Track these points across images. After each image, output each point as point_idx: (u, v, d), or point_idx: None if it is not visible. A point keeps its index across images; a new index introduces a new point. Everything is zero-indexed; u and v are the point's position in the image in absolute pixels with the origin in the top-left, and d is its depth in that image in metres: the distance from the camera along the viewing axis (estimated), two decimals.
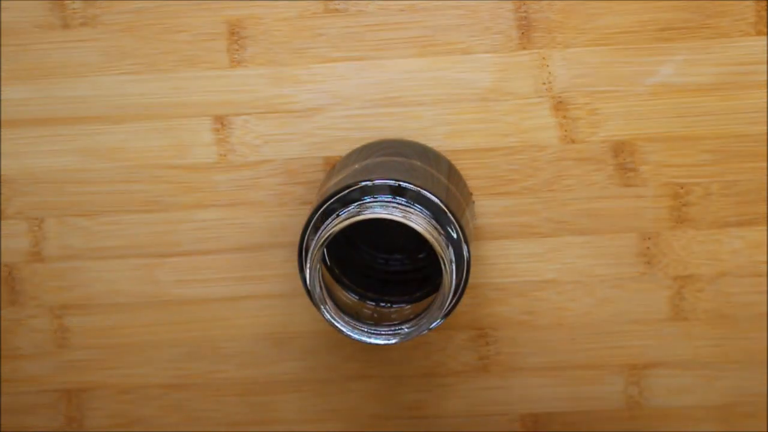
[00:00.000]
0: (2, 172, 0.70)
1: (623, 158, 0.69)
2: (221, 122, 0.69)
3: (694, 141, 0.68)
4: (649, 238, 0.70)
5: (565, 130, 0.68)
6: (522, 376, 0.72)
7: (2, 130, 0.70)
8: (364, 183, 0.60)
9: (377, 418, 0.73)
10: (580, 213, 0.69)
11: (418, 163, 0.65)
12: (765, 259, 0.70)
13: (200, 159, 0.69)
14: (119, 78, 0.69)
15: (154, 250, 0.71)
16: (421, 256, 0.66)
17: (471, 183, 0.69)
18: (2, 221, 0.71)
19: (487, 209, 0.69)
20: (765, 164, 0.68)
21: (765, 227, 0.69)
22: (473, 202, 0.69)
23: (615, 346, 0.71)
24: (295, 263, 0.61)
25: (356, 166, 0.64)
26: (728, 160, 0.68)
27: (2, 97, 0.69)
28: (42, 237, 0.71)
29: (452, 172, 0.67)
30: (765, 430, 0.72)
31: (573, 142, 0.69)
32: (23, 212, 0.71)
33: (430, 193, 0.60)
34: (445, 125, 0.68)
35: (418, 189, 0.60)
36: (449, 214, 0.60)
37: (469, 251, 0.60)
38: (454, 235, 0.59)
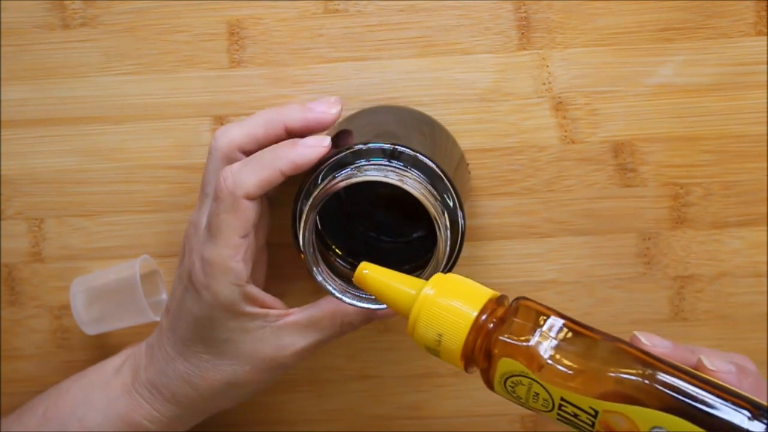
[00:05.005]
0: (2, 172, 0.70)
1: (623, 158, 0.69)
2: (221, 122, 0.69)
3: (694, 141, 0.68)
4: (649, 239, 0.70)
5: (565, 131, 0.68)
6: None
7: (2, 130, 0.70)
8: (358, 146, 0.59)
9: (377, 418, 0.73)
10: (580, 213, 0.69)
11: (410, 128, 0.65)
12: (765, 259, 0.70)
13: (200, 159, 0.69)
14: (119, 78, 0.69)
15: (154, 250, 0.71)
16: (415, 235, 0.65)
17: (471, 183, 0.69)
18: (2, 221, 0.71)
19: (487, 209, 0.69)
20: (765, 164, 0.68)
21: (765, 227, 0.69)
22: (469, 172, 0.68)
23: None
24: (296, 263, 0.61)
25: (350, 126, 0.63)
26: (728, 160, 0.68)
27: (2, 97, 0.69)
28: (42, 237, 0.71)
29: (442, 134, 0.67)
30: None
31: (573, 142, 0.69)
32: (23, 212, 0.71)
33: (427, 157, 0.59)
34: (445, 125, 0.68)
35: (415, 153, 0.59)
36: (446, 180, 0.59)
37: (464, 217, 0.59)
38: (450, 203, 0.59)
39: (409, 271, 0.62)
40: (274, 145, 0.60)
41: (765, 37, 0.67)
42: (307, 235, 0.58)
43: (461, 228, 0.59)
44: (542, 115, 0.68)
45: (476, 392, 0.72)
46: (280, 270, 0.70)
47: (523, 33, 0.67)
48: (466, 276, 0.69)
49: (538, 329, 0.51)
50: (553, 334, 0.51)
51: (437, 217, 0.58)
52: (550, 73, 0.68)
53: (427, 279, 0.58)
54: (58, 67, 0.69)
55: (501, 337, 0.51)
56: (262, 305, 0.61)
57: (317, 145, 0.59)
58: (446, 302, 0.52)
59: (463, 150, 0.68)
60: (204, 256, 0.60)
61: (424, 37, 0.68)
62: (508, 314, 0.52)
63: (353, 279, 0.55)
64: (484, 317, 0.52)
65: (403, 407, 0.73)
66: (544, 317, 0.51)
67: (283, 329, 0.62)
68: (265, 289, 0.66)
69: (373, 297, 0.57)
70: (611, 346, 0.50)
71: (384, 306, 0.56)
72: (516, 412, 0.73)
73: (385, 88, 0.68)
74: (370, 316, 0.62)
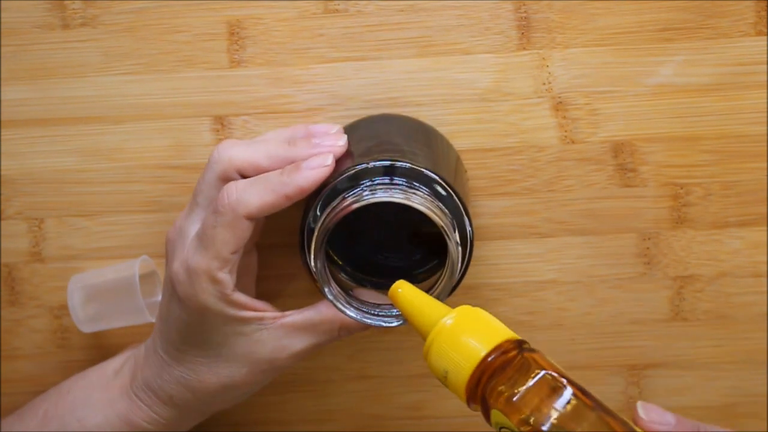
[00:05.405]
0: (2, 172, 0.70)
1: (623, 158, 0.69)
2: (221, 122, 0.69)
3: (694, 141, 0.68)
4: (649, 239, 0.70)
5: (565, 131, 0.68)
6: None
7: (2, 130, 0.70)
8: (361, 166, 0.59)
9: (377, 418, 0.73)
10: (580, 213, 0.69)
11: (410, 139, 0.65)
12: (765, 259, 0.70)
13: (200, 159, 0.69)
14: (119, 78, 0.69)
15: (154, 250, 0.71)
16: (419, 249, 0.65)
17: (471, 183, 0.69)
18: (2, 221, 0.71)
19: (487, 209, 0.69)
20: (765, 164, 0.68)
21: (765, 227, 0.69)
22: (466, 170, 0.68)
23: (615, 346, 0.71)
24: (296, 263, 0.61)
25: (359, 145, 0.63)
26: (728, 160, 0.68)
27: (2, 97, 0.69)
28: (42, 237, 0.71)
29: (437, 139, 0.67)
30: (765, 430, 0.72)
31: (573, 142, 0.69)
32: (23, 212, 0.71)
33: (430, 171, 0.59)
34: (445, 125, 0.68)
35: (420, 169, 0.59)
36: (452, 193, 0.59)
37: (471, 226, 0.59)
38: (458, 215, 0.59)
39: (420, 279, 0.62)
40: (279, 171, 0.60)
41: (765, 37, 0.67)
42: (318, 261, 0.58)
43: (470, 237, 0.59)
44: (542, 115, 0.68)
45: None
46: (276, 270, 0.70)
47: (523, 33, 0.67)
48: (467, 275, 0.69)
49: (529, 386, 0.50)
50: (544, 395, 0.49)
51: (449, 233, 0.58)
52: (550, 73, 0.68)
53: (440, 292, 0.59)
54: (58, 67, 0.69)
55: (497, 388, 0.50)
56: (254, 310, 0.61)
57: (321, 166, 0.59)
58: (459, 337, 0.52)
59: (463, 150, 0.68)
60: (190, 265, 0.60)
61: (424, 37, 0.68)
62: (508, 365, 0.51)
63: (388, 294, 0.56)
64: (491, 358, 0.51)
65: (403, 407, 0.73)
66: (542, 374, 0.50)
67: (280, 331, 0.62)
68: (261, 289, 0.66)
69: (380, 314, 0.59)
70: (599, 417, 0.49)
71: (396, 323, 0.58)
72: None
73: (385, 88, 0.68)
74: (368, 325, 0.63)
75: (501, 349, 0.51)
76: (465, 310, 0.53)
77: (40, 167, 0.70)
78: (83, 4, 0.68)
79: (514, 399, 0.49)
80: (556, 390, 0.50)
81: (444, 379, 0.52)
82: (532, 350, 0.51)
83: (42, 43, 0.69)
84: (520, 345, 0.52)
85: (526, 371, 0.50)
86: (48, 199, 0.71)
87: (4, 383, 0.73)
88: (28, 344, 0.73)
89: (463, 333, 0.52)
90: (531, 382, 0.50)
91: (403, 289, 0.55)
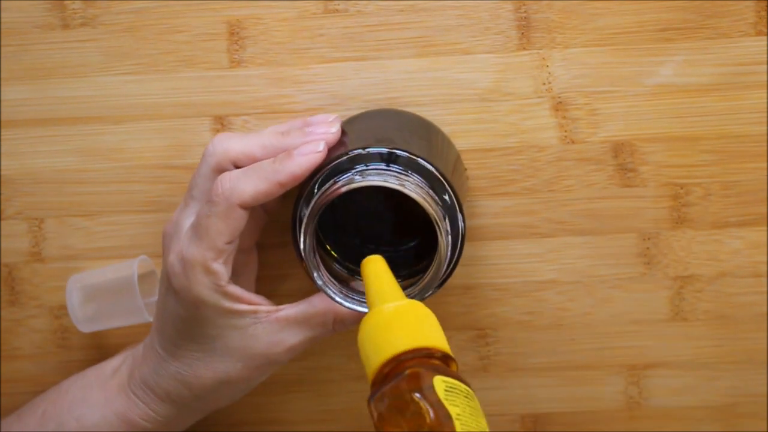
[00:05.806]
0: (2, 172, 0.70)
1: (623, 158, 0.69)
2: (221, 122, 0.69)
3: (694, 141, 0.68)
4: (649, 239, 0.70)
5: (565, 131, 0.68)
6: (522, 377, 0.72)
7: (2, 130, 0.70)
8: (356, 151, 0.59)
9: None
10: (580, 213, 0.69)
11: (407, 131, 0.65)
12: (765, 259, 0.70)
13: (200, 159, 0.69)
14: (119, 78, 0.69)
15: (154, 250, 0.71)
16: (411, 244, 0.65)
17: (471, 183, 0.69)
18: (2, 221, 0.71)
19: (487, 209, 0.69)
20: (765, 164, 0.68)
21: (765, 227, 0.69)
22: (465, 169, 0.68)
23: (615, 346, 0.71)
24: (290, 262, 0.61)
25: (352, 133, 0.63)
26: (728, 160, 0.68)
27: (2, 97, 0.69)
28: (42, 237, 0.71)
29: (437, 136, 0.67)
30: (765, 430, 0.72)
31: (573, 142, 0.69)
32: (23, 212, 0.71)
33: (425, 161, 0.59)
34: (445, 125, 0.68)
35: (414, 157, 0.59)
36: (445, 183, 0.59)
37: (464, 220, 0.59)
38: (450, 206, 0.59)
39: (411, 275, 0.62)
40: (272, 159, 0.60)
41: (765, 37, 0.67)
42: (307, 240, 0.58)
43: (461, 231, 0.59)
44: (542, 115, 0.68)
45: (476, 392, 0.72)
46: (275, 270, 0.70)
47: (523, 33, 0.67)
48: (466, 275, 0.70)
49: (389, 399, 0.47)
50: (400, 414, 0.47)
51: (438, 222, 0.57)
52: (550, 73, 0.68)
53: (426, 284, 0.58)
54: (58, 67, 0.69)
55: (384, 391, 0.48)
56: (249, 303, 0.62)
57: (312, 152, 0.60)
58: (388, 326, 0.50)
59: (463, 150, 0.68)
60: (185, 255, 0.60)
61: (424, 37, 0.68)
62: (403, 372, 0.48)
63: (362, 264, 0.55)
64: (403, 358, 0.48)
65: None
66: (406, 395, 0.47)
67: (275, 325, 0.62)
68: (260, 289, 0.66)
69: None
70: None
71: None
72: (516, 412, 0.73)
73: (385, 88, 0.68)
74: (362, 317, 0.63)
75: (420, 353, 0.48)
76: (413, 305, 0.51)
77: (40, 167, 0.70)
78: (83, 4, 0.68)
79: (377, 410, 0.48)
80: (408, 413, 0.47)
81: (364, 364, 0.49)
82: (417, 366, 0.48)
83: (42, 43, 0.69)
84: (443, 358, 0.48)
85: (408, 387, 0.47)
86: (48, 199, 0.71)
87: (4, 383, 0.73)
88: (28, 344, 0.73)
89: (394, 323, 0.49)
90: (390, 399, 0.47)
91: (372, 263, 0.54)
